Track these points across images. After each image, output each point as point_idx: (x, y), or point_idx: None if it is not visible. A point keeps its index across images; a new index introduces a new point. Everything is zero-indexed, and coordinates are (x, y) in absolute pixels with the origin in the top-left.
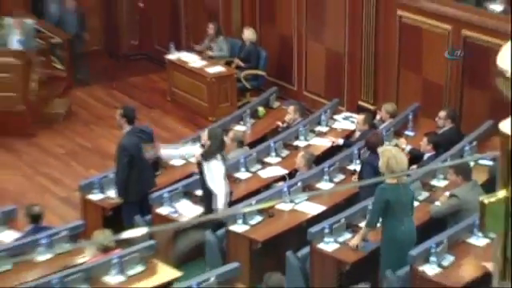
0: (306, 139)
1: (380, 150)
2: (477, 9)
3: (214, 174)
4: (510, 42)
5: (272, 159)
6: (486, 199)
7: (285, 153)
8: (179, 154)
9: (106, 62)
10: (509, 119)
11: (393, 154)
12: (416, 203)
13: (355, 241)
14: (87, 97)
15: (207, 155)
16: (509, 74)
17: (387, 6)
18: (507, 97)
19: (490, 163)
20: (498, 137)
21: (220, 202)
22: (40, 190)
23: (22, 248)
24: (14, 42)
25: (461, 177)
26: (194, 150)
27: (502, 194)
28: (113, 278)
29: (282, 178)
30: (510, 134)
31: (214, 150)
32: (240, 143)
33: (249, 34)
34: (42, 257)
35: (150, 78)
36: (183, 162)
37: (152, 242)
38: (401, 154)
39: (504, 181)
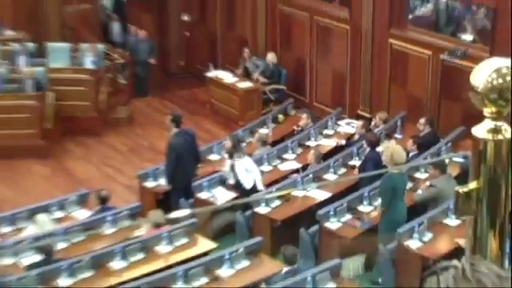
0: (315, 140)
1: (384, 146)
2: (452, 38)
3: (248, 166)
4: (481, 64)
5: (289, 155)
6: (461, 189)
7: (299, 151)
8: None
9: (160, 79)
10: (480, 125)
11: (395, 149)
12: None
13: (375, 213)
14: (144, 105)
15: (237, 154)
16: (479, 90)
17: (381, 36)
18: (478, 108)
19: (462, 160)
20: (471, 140)
21: (259, 184)
22: (106, 178)
23: (92, 223)
24: (88, 62)
25: (438, 171)
26: (228, 162)
27: (472, 185)
28: (163, 247)
29: (297, 171)
30: (480, 136)
31: (239, 149)
32: (263, 143)
33: (272, 57)
34: (108, 231)
35: (193, 92)
36: (219, 157)
37: (194, 220)
38: (401, 149)
39: (475, 174)
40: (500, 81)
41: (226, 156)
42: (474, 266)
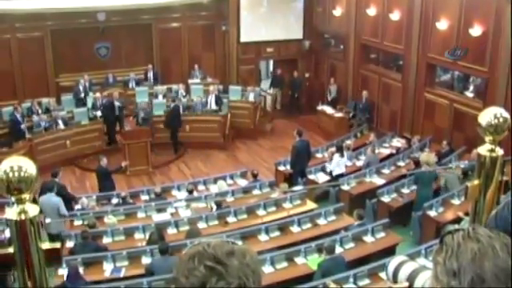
0: (378, 149)
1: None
2: (460, 94)
3: (339, 162)
4: (485, 111)
5: (362, 157)
6: (469, 183)
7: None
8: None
9: (291, 110)
10: (482, 146)
11: (429, 156)
12: None
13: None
14: (281, 124)
15: (335, 155)
16: (483, 126)
17: (419, 91)
18: (482, 136)
19: (464, 165)
20: (469, 154)
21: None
22: (257, 163)
23: (248, 188)
24: (251, 97)
25: (448, 170)
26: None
27: (476, 181)
28: (287, 204)
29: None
30: (482, 153)
31: (338, 151)
32: (347, 149)
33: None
34: (256, 192)
35: (310, 117)
36: (321, 155)
37: (305, 190)
38: (432, 156)
39: (477, 175)
40: (496, 121)
41: (326, 154)
42: (475, 230)
